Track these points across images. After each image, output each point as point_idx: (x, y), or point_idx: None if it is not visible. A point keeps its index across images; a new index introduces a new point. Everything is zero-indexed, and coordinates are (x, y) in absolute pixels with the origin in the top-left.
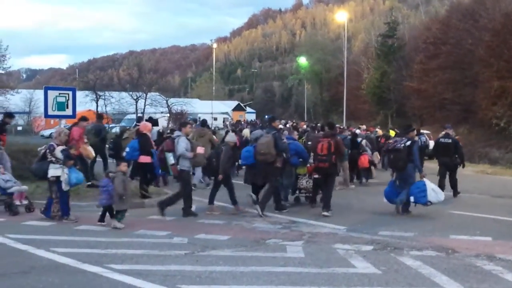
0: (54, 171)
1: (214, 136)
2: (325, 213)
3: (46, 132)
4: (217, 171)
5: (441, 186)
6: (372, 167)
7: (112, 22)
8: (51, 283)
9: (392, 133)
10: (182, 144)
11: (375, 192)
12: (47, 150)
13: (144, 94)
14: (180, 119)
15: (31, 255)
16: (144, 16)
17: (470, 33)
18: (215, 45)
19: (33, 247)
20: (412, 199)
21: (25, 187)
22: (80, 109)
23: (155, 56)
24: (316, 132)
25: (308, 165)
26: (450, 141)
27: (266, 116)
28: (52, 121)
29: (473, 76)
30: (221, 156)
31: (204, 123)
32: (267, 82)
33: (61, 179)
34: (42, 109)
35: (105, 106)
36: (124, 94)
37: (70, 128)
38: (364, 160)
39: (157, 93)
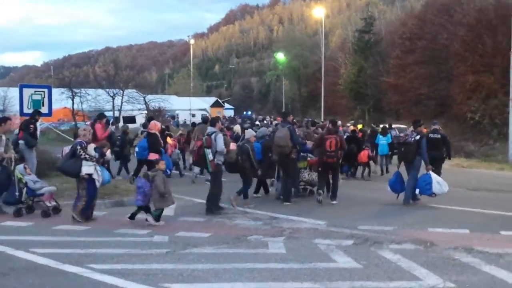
0: (87, 168)
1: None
2: (334, 202)
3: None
4: (242, 168)
5: None
6: (371, 162)
7: (89, 18)
8: (32, 284)
9: (359, 126)
10: (221, 141)
11: (353, 186)
12: (79, 148)
13: (121, 91)
14: (158, 116)
15: (10, 256)
16: (122, 12)
17: (445, 28)
18: (192, 41)
19: (11, 248)
20: (417, 191)
21: (53, 187)
22: (56, 107)
23: (131, 52)
24: (305, 128)
25: (309, 159)
26: (439, 136)
27: (245, 112)
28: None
29: (449, 71)
30: (251, 153)
31: (206, 120)
32: (245, 78)
33: (94, 176)
34: (17, 107)
35: (81, 103)
36: (100, 91)
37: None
38: (363, 155)
39: (134, 90)
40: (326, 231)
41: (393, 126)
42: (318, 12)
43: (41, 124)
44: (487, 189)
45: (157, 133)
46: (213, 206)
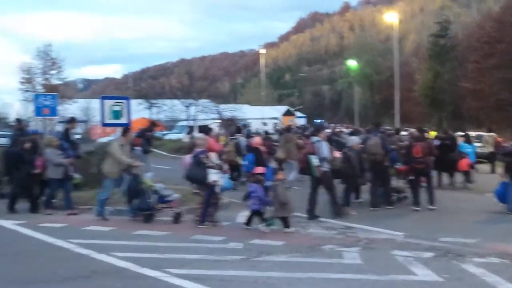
0: (213, 175)
1: (299, 141)
2: (432, 207)
3: (103, 140)
4: (345, 175)
5: None
6: (471, 170)
7: (164, 31)
8: (112, 287)
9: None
10: (326, 148)
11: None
12: (202, 157)
13: (195, 101)
14: (230, 125)
15: (92, 259)
16: (194, 24)
17: None
18: (263, 51)
19: (94, 251)
20: None
21: (177, 195)
22: (134, 117)
23: (204, 63)
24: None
25: (396, 166)
26: None
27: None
28: (109, 129)
29: None
30: (352, 161)
31: (288, 129)
32: (316, 86)
33: (219, 183)
34: (98, 118)
35: (158, 113)
36: (176, 101)
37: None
38: (464, 164)
39: (208, 100)
40: (404, 242)
41: (474, 133)
42: (390, 17)
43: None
44: None
45: (260, 147)
46: (309, 213)
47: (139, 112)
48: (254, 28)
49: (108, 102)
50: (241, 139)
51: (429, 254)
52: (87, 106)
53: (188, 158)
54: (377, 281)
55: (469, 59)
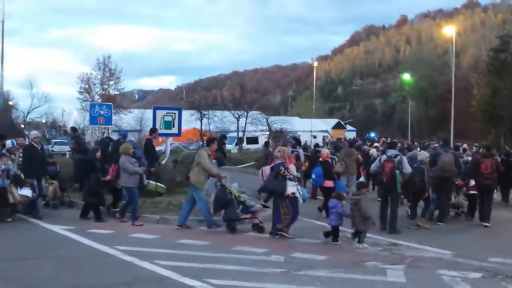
0: (291, 188)
1: (359, 156)
2: (486, 224)
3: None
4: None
5: None
6: None
7: (220, 43)
8: None
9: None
10: (407, 163)
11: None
12: (282, 169)
13: (246, 113)
14: (279, 137)
15: (136, 266)
16: (250, 36)
17: None
18: (316, 64)
19: (138, 259)
20: None
21: (259, 205)
22: (186, 127)
23: (257, 75)
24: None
25: (456, 182)
26: None
27: (367, 135)
28: (160, 139)
29: None
30: (425, 174)
31: (352, 143)
32: (369, 100)
33: (297, 195)
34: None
35: (209, 124)
36: (226, 113)
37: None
38: None
39: (258, 112)
40: (452, 261)
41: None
42: (449, 31)
43: (172, 143)
44: None
45: (329, 160)
46: (392, 228)
47: (190, 122)
48: (307, 41)
49: (160, 113)
50: (300, 152)
51: (477, 275)
52: (141, 116)
53: (267, 170)
54: None
55: None
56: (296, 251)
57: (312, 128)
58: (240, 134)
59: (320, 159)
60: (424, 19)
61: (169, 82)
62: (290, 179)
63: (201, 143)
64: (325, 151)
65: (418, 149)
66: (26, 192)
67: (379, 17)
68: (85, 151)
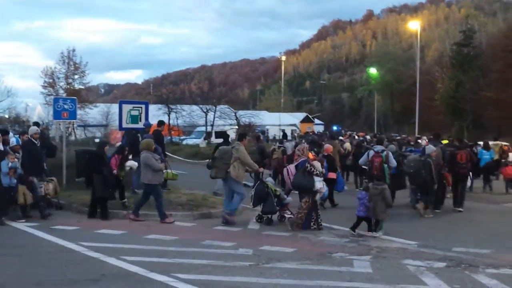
0: (319, 183)
1: (341, 148)
2: (460, 209)
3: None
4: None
5: None
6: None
7: (189, 37)
8: None
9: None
10: (393, 158)
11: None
12: (309, 165)
13: (214, 107)
14: (248, 131)
15: (102, 263)
16: (220, 31)
17: None
18: (284, 58)
19: (104, 255)
20: None
21: (290, 198)
22: (153, 122)
23: (225, 70)
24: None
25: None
26: None
27: (334, 127)
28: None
29: None
30: (432, 167)
31: (333, 136)
32: (336, 94)
33: (322, 190)
34: (117, 122)
35: (177, 119)
36: (194, 107)
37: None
38: (510, 171)
39: (226, 106)
40: (417, 251)
41: (492, 143)
42: (414, 25)
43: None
44: None
45: (332, 155)
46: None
47: (158, 117)
48: (276, 36)
49: (127, 107)
50: (288, 146)
51: (441, 264)
52: (107, 110)
53: (292, 168)
54: None
55: (493, 68)
56: (264, 244)
57: (281, 122)
58: (209, 128)
59: (324, 153)
60: (390, 13)
61: (136, 76)
62: (317, 175)
63: (169, 137)
64: (328, 146)
65: (386, 142)
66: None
67: (346, 12)
68: (50, 146)
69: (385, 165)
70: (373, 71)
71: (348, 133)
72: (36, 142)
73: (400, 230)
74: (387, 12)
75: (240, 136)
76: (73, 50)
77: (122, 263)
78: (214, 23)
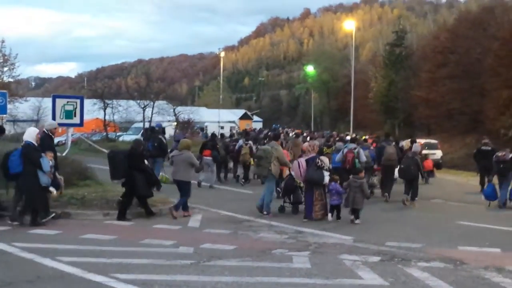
0: (327, 177)
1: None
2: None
3: (55, 140)
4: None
5: (483, 183)
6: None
7: (126, 30)
8: None
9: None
10: (363, 154)
11: (381, 202)
12: (319, 161)
13: (152, 103)
14: (186, 128)
15: (37, 264)
16: (158, 24)
17: (478, 42)
18: (223, 54)
19: (39, 256)
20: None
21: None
22: (88, 118)
23: (163, 65)
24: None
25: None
26: (490, 148)
27: (274, 125)
28: (60, 129)
29: (481, 86)
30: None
31: (298, 134)
32: (274, 91)
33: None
34: (50, 117)
35: (113, 114)
36: (131, 102)
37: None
38: (429, 163)
39: (165, 102)
40: (353, 246)
41: (423, 141)
42: (349, 25)
43: (73, 134)
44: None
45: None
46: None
47: (93, 112)
48: (215, 31)
49: (61, 101)
50: (249, 143)
51: (376, 259)
52: (38, 105)
53: (303, 162)
54: (324, 285)
55: (423, 68)
56: (205, 242)
57: (220, 119)
58: (147, 125)
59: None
60: (326, 12)
61: (69, 69)
62: (326, 170)
63: (104, 133)
64: (305, 144)
65: (322, 140)
66: (51, 189)
67: (284, 10)
68: None
69: (356, 160)
70: (310, 69)
71: (285, 130)
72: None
73: (336, 225)
74: (323, 11)
75: (276, 137)
76: (2, 41)
77: (58, 264)
78: (152, 16)
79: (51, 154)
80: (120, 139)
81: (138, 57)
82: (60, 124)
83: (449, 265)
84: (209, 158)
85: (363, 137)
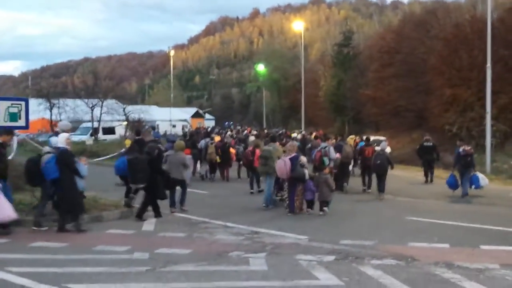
0: (307, 174)
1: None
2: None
3: None
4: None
5: (426, 175)
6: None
7: (72, 28)
8: None
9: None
10: (333, 152)
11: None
12: (302, 160)
13: (100, 102)
14: (137, 127)
15: None
16: (106, 22)
17: (422, 42)
18: (172, 52)
19: None
20: (473, 186)
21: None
22: (33, 118)
23: (110, 63)
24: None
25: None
26: (431, 144)
27: (226, 123)
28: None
29: (426, 84)
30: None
31: (257, 135)
32: (226, 89)
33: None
34: None
35: (59, 114)
36: (79, 102)
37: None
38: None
39: (114, 101)
40: (308, 246)
41: (372, 138)
42: (298, 26)
43: (18, 135)
44: (467, 201)
45: None
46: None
47: (39, 112)
48: (164, 29)
49: (4, 104)
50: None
51: (330, 258)
52: None
53: (285, 161)
54: (281, 287)
55: (370, 68)
56: (160, 247)
57: (172, 117)
58: (95, 124)
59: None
60: (275, 12)
61: (13, 68)
62: (306, 168)
63: (50, 133)
64: (287, 145)
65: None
66: None
67: (233, 9)
68: None
69: (325, 158)
70: (261, 68)
71: (238, 128)
72: None
73: (291, 224)
74: (272, 11)
75: (274, 138)
76: None
77: (7, 275)
78: (100, 13)
79: (85, 159)
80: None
81: (84, 55)
82: (4, 127)
83: (401, 262)
84: (189, 156)
85: (313, 135)
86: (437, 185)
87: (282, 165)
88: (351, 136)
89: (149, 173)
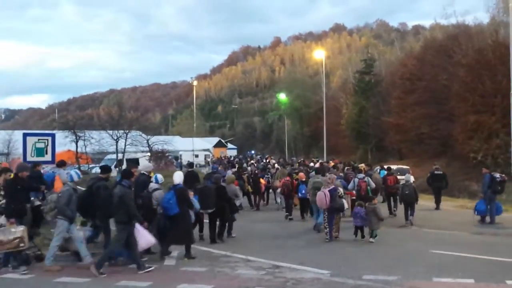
0: (346, 204)
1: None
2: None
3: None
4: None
5: (437, 202)
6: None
7: (97, 61)
8: None
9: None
10: (371, 181)
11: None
12: (340, 192)
13: (125, 134)
14: (161, 158)
15: None
16: (130, 54)
17: (444, 68)
18: (195, 82)
19: None
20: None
21: None
22: (60, 150)
23: (135, 94)
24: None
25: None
26: (441, 172)
27: (248, 152)
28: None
29: (449, 111)
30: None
31: (284, 165)
32: (248, 118)
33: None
34: (21, 151)
35: (85, 146)
36: (104, 134)
37: None
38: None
39: (138, 132)
40: (330, 281)
41: (396, 167)
42: (319, 54)
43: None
44: (492, 233)
45: (304, 180)
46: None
47: (64, 145)
48: (187, 60)
49: (32, 139)
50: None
51: None
52: (8, 138)
53: (325, 193)
54: None
55: (392, 95)
56: (182, 282)
57: (194, 147)
58: (120, 156)
59: (303, 179)
60: (296, 41)
61: (41, 101)
62: (344, 198)
63: (77, 166)
64: (301, 173)
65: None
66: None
67: (255, 38)
68: None
69: (368, 188)
70: (282, 96)
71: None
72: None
73: (313, 258)
74: (293, 40)
75: (320, 171)
76: None
77: None
78: (125, 46)
79: (192, 193)
80: (93, 171)
81: (110, 87)
82: (31, 162)
83: None
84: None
85: (332, 164)
86: (463, 215)
87: (323, 196)
88: (360, 165)
89: (216, 200)
